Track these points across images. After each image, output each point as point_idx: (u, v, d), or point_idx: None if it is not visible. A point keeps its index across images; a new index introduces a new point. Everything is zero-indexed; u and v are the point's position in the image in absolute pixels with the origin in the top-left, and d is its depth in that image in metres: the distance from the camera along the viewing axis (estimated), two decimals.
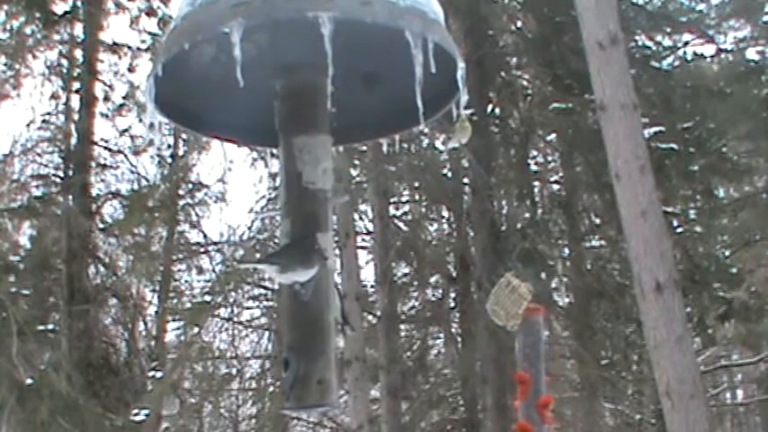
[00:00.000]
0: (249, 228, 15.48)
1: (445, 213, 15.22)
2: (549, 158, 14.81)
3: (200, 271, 16.02)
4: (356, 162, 13.93)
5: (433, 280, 15.29)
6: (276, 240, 15.52)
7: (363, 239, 15.54)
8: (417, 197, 15.37)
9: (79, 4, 13.65)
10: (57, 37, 13.91)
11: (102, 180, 14.52)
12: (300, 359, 1.99)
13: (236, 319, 16.36)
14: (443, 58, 1.97)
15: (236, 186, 22.37)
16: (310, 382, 2.00)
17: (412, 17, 1.91)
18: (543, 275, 12.05)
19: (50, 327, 12.62)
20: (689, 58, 14.03)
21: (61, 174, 13.95)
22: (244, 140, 2.83)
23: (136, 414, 12.64)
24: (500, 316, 4.93)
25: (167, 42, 2.06)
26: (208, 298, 14.72)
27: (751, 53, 14.66)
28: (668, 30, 13.65)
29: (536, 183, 13.82)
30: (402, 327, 15.42)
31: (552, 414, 5.09)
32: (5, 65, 13.57)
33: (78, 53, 14.21)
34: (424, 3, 1.96)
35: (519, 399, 4.92)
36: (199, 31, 1.95)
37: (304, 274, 2.03)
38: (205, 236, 15.83)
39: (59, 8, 13.38)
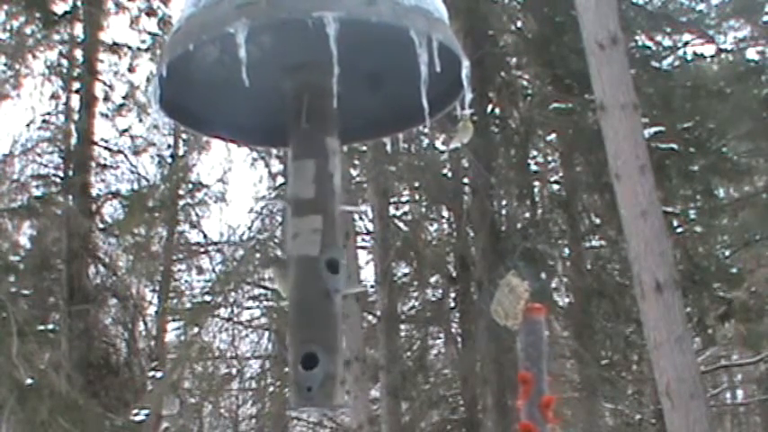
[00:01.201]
0: (249, 228, 15.48)
1: (445, 213, 15.22)
2: (549, 158, 14.81)
3: (200, 271, 16.05)
4: (356, 162, 13.93)
5: (433, 280, 15.29)
6: (276, 240, 15.59)
7: (363, 239, 15.56)
8: (417, 197, 15.37)
9: (79, 4, 13.67)
10: (57, 37, 13.93)
11: (102, 180, 14.55)
12: (329, 358, 2.00)
13: (236, 319, 16.37)
14: (448, 56, 1.97)
15: (236, 186, 22.43)
16: (336, 381, 2.01)
17: (416, 16, 1.91)
18: (543, 275, 12.05)
19: (50, 327, 12.63)
20: (689, 58, 14.06)
21: (61, 174, 13.97)
22: (247, 141, 2.83)
23: (136, 414, 12.65)
24: (501, 315, 4.95)
25: (171, 43, 2.06)
26: (208, 298, 14.73)
27: (751, 53, 14.71)
28: (668, 30, 13.66)
29: (536, 183, 13.83)
30: (402, 327, 15.42)
31: (553, 414, 5.09)
32: (5, 65, 13.59)
33: (78, 53, 14.23)
34: (429, 2, 1.97)
35: (521, 398, 4.92)
36: (204, 31, 1.95)
37: (335, 275, 2.05)
38: (205, 236, 15.86)
39: (59, 8, 13.42)
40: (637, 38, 12.68)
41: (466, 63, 2.02)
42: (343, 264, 2.08)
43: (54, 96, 14.06)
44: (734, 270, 12.49)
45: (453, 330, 15.06)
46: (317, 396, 2.00)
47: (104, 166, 14.49)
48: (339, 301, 2.06)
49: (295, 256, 2.09)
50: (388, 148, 11.33)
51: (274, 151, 12.79)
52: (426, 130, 12.77)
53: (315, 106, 2.16)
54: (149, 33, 14.24)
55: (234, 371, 16.28)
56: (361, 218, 15.41)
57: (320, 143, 2.14)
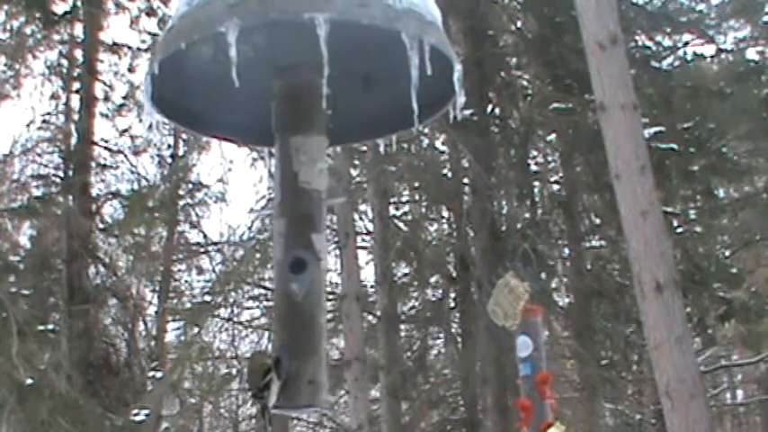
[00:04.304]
0: (249, 228, 15.50)
1: (445, 213, 15.22)
2: (549, 158, 14.81)
3: (200, 271, 16.06)
4: (356, 162, 13.94)
5: (433, 280, 15.28)
6: None
7: (363, 239, 15.57)
8: (417, 197, 15.37)
9: (79, 4, 13.66)
10: (57, 37, 13.92)
11: (102, 180, 14.55)
12: (292, 359, 2.00)
13: (236, 319, 16.37)
14: (440, 60, 1.97)
15: (236, 186, 22.48)
16: (301, 382, 2.00)
17: (409, 19, 1.91)
18: (543, 275, 12.04)
19: (50, 327, 12.62)
20: (689, 58, 14.05)
21: (61, 174, 13.95)
22: (243, 140, 2.83)
23: (136, 414, 12.64)
24: (499, 316, 4.95)
25: (164, 41, 2.06)
26: (208, 298, 14.74)
27: (751, 53, 14.71)
28: (668, 30, 13.65)
29: (536, 183, 13.81)
30: (402, 327, 15.42)
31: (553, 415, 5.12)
32: (5, 65, 13.59)
33: (78, 53, 14.23)
34: (421, 5, 1.97)
35: (523, 424, 4.95)
36: (195, 30, 1.96)
37: (298, 275, 2.04)
38: (205, 236, 15.88)
39: (59, 8, 13.41)
40: (637, 38, 12.67)
41: (458, 67, 2.02)
42: (314, 260, 2.07)
43: (54, 96, 14.05)
44: (734, 270, 12.47)
45: (453, 330, 15.05)
46: (282, 398, 2.00)
47: (104, 166, 14.49)
48: (311, 301, 2.05)
49: (273, 261, 2.12)
50: (381, 149, 11.34)
51: (273, 151, 12.77)
52: (426, 131, 12.78)
53: (284, 107, 2.16)
54: (149, 33, 14.24)
55: (234, 371, 16.27)
56: (361, 218, 15.44)
57: (284, 143, 2.15)
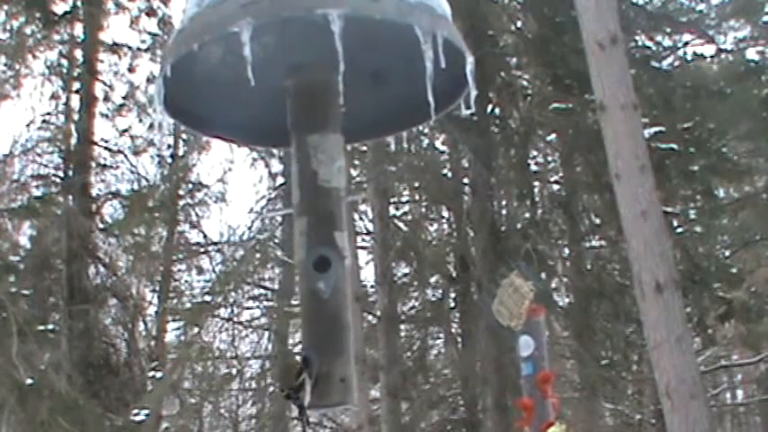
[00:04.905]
0: (249, 228, 15.50)
1: (445, 213, 15.22)
2: (549, 158, 14.80)
3: (201, 271, 16.04)
4: (356, 162, 13.94)
5: (433, 280, 15.28)
6: (276, 240, 15.60)
7: (363, 239, 15.57)
8: (417, 197, 15.37)
9: (79, 4, 13.66)
10: (57, 37, 13.92)
11: (102, 180, 14.54)
12: (323, 357, 2.00)
13: (236, 319, 16.35)
14: (452, 53, 1.97)
15: (236, 186, 22.46)
16: (333, 380, 2.00)
17: (421, 13, 1.91)
18: (543, 275, 12.04)
19: (50, 327, 12.61)
20: (689, 58, 14.06)
21: (61, 174, 13.95)
22: (249, 141, 2.82)
23: (136, 414, 12.63)
24: (504, 315, 4.96)
25: (175, 43, 2.05)
26: (208, 298, 14.73)
27: (751, 53, 14.71)
28: (668, 30, 13.66)
29: (536, 183, 13.81)
30: (402, 327, 15.42)
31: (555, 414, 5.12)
32: (5, 65, 13.58)
33: (78, 53, 14.22)
34: None
35: (524, 423, 4.95)
36: (208, 31, 1.95)
37: (324, 273, 2.04)
38: (205, 236, 15.87)
39: (59, 8, 13.41)
40: (637, 38, 12.68)
41: (470, 59, 2.02)
42: (338, 258, 2.07)
43: (54, 96, 14.05)
44: (734, 270, 12.48)
45: (453, 330, 15.06)
46: (313, 396, 2.00)
47: (104, 166, 14.48)
48: (337, 299, 2.05)
49: (296, 261, 2.12)
50: (392, 147, 11.33)
51: (274, 151, 12.80)
52: (426, 130, 12.79)
53: (300, 105, 2.16)
54: (149, 33, 14.26)
55: (234, 371, 16.26)
56: (361, 218, 15.44)
57: (301, 142, 2.14)
